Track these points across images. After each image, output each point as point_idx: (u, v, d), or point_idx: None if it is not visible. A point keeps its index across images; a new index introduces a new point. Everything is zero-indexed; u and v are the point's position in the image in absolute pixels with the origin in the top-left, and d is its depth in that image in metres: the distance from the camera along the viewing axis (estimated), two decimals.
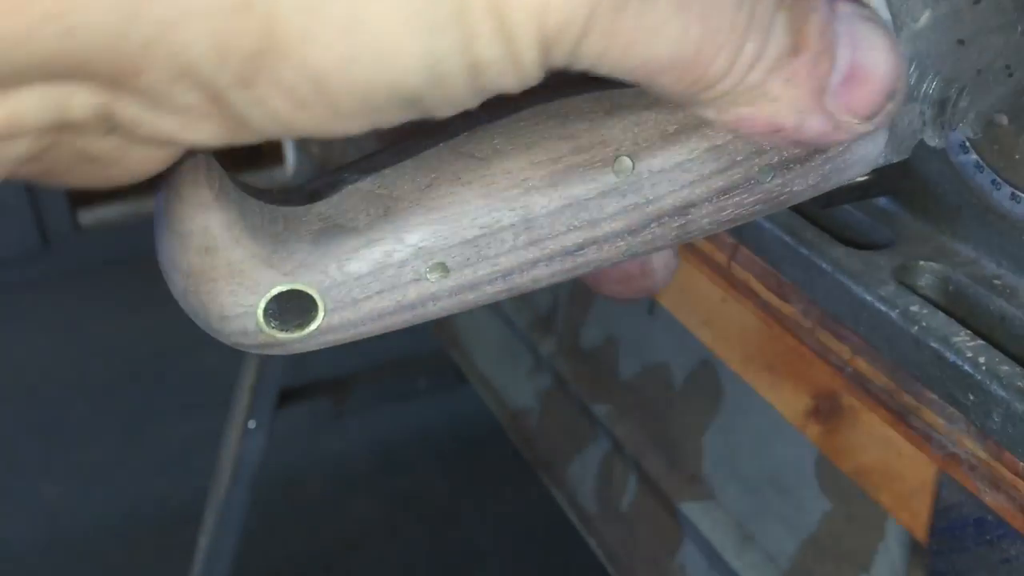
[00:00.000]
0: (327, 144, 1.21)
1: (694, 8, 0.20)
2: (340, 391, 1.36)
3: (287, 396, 1.34)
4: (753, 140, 0.25)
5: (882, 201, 0.43)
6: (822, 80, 0.22)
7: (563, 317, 0.77)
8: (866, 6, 0.24)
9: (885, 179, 0.39)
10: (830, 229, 0.43)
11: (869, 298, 0.38)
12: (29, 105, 0.18)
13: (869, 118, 0.23)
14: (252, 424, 1.36)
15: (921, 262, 0.40)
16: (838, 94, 0.23)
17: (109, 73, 0.18)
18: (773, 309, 0.44)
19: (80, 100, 0.18)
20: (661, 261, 0.27)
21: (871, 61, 0.23)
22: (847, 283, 0.39)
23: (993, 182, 0.38)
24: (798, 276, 0.42)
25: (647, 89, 0.22)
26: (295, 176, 1.35)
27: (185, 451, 1.61)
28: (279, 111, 0.19)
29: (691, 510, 0.63)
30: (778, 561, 0.58)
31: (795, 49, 0.22)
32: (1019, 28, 0.29)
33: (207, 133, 0.20)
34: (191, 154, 0.22)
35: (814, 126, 0.23)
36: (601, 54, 0.20)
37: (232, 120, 0.19)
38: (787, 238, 0.42)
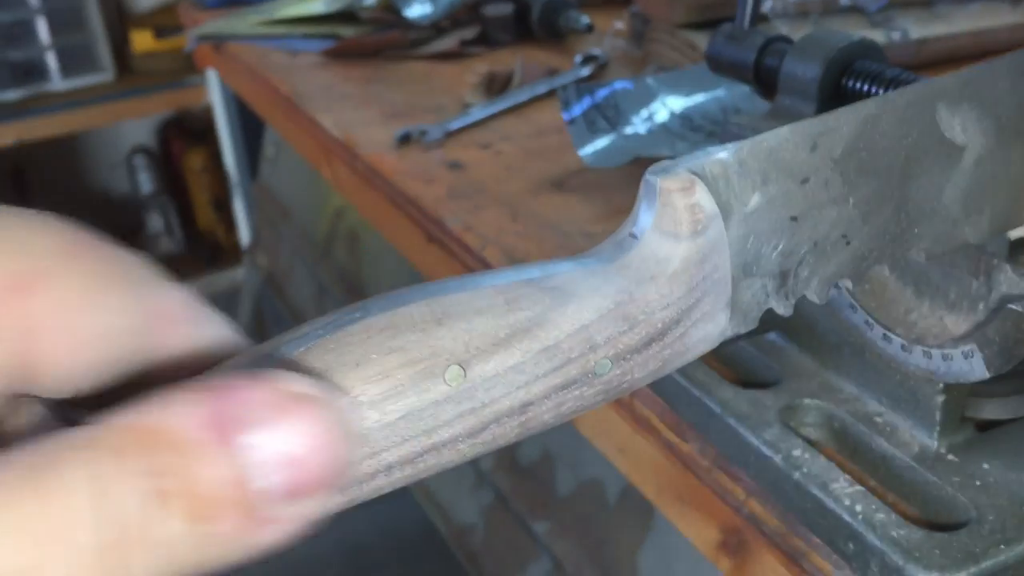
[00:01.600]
0: (273, 256, 1.22)
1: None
2: None
3: None
4: (585, 336, 0.26)
5: (771, 335, 0.44)
6: (250, 518, 0.19)
7: None
8: (302, 379, 0.21)
9: (772, 315, 0.40)
10: (722, 364, 0.44)
11: (755, 442, 0.39)
12: None
13: (325, 501, 0.21)
14: None
15: (807, 400, 0.41)
16: (282, 506, 0.20)
17: None
18: (674, 447, 0.45)
19: None
20: None
21: (307, 459, 0.20)
22: (735, 425, 0.40)
23: (866, 322, 0.38)
24: (692, 416, 0.43)
25: None
26: (244, 282, 1.36)
27: None
28: None
29: None
30: None
31: (201, 517, 0.18)
32: (851, 200, 0.30)
33: None
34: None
35: (268, 540, 0.20)
36: None
37: None
38: (680, 379, 0.43)
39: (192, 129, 2.39)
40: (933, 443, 0.37)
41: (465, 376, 0.25)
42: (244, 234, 2.04)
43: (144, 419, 0.18)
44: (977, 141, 0.32)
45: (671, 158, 0.64)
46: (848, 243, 0.31)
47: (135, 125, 2.43)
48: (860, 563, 0.35)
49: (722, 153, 0.28)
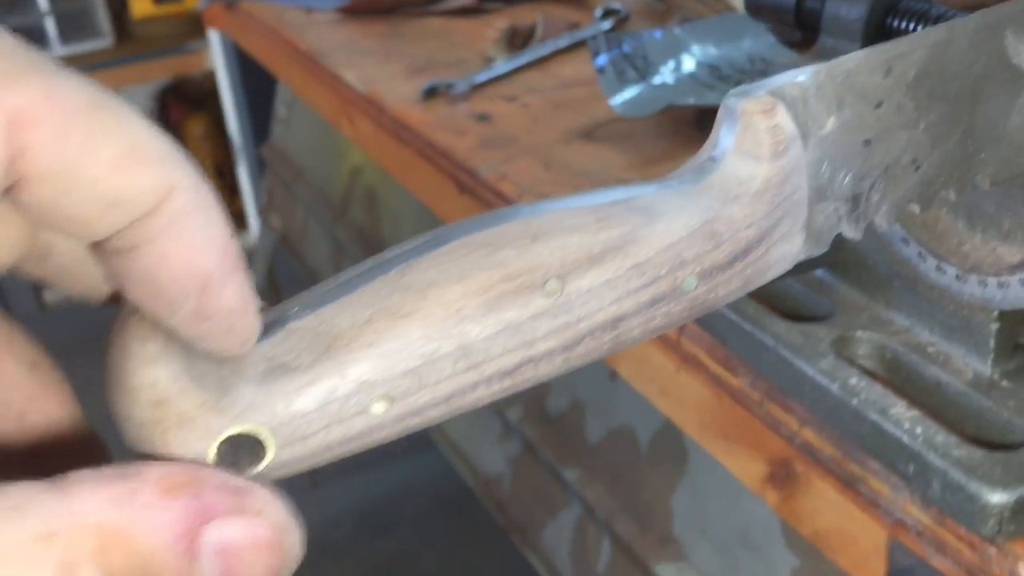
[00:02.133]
0: (287, 217, 1.23)
1: None
2: None
3: None
4: (674, 253, 0.27)
5: (819, 272, 0.45)
6: None
7: None
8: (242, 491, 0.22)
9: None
10: (770, 301, 0.45)
11: (811, 372, 0.40)
12: None
13: None
14: None
15: (858, 332, 0.42)
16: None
17: None
18: (723, 382, 0.45)
19: None
20: None
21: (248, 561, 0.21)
22: (789, 357, 0.41)
23: (919, 255, 0.39)
24: (743, 350, 0.44)
25: None
26: (258, 245, 1.36)
27: None
28: None
29: (665, 571, 0.64)
30: None
31: None
32: (921, 125, 0.31)
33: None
34: (133, 312, 0.23)
35: None
36: None
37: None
38: (731, 314, 0.44)
39: (192, 95, 2.38)
40: (987, 370, 0.38)
41: (562, 290, 0.26)
42: (249, 199, 2.04)
43: (124, 516, 0.19)
44: None
45: (707, 106, 0.64)
46: (917, 168, 0.32)
47: (134, 91, 2.42)
48: (921, 483, 0.36)
49: (801, 76, 0.29)
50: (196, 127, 2.34)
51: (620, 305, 0.27)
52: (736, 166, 0.28)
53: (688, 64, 0.68)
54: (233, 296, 0.23)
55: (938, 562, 0.36)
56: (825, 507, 0.43)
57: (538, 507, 0.77)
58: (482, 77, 0.76)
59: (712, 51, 0.70)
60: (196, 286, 0.22)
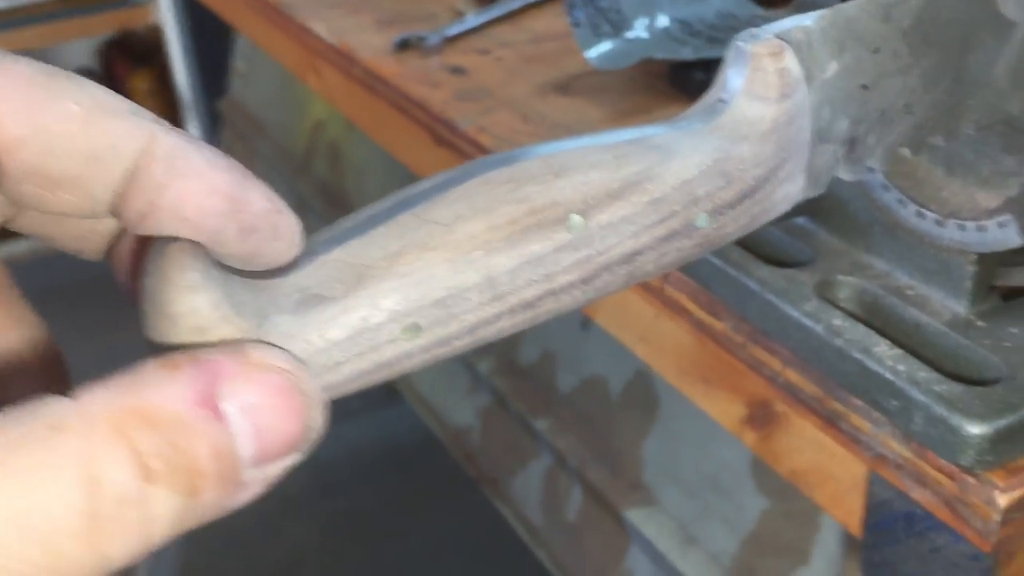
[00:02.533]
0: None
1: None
2: None
3: None
4: (688, 190, 0.28)
5: (799, 220, 0.47)
6: (231, 486, 0.20)
7: None
8: (273, 350, 0.22)
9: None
10: (753, 248, 0.46)
11: (795, 314, 0.41)
12: None
13: (295, 454, 0.22)
14: None
15: (839, 277, 0.43)
16: (256, 468, 0.21)
17: None
18: (706, 326, 0.47)
19: None
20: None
21: (276, 424, 0.21)
22: (774, 301, 0.42)
23: (899, 201, 0.41)
24: (728, 295, 0.45)
25: None
26: None
27: None
28: None
29: (635, 516, 0.66)
30: (721, 560, 0.61)
31: (191, 490, 0.20)
32: (915, 71, 0.32)
33: None
34: (174, 239, 0.23)
35: (244, 499, 0.21)
36: None
37: None
38: (716, 260, 0.45)
39: (136, 50, 2.32)
40: (963, 310, 0.40)
41: (584, 225, 0.27)
42: None
43: (134, 398, 0.19)
44: None
45: (683, 60, 0.65)
46: (910, 112, 0.33)
47: (75, 46, 2.36)
48: (903, 418, 0.37)
49: (807, 21, 0.30)
50: (141, 83, 2.30)
51: (637, 240, 0.28)
52: (745, 107, 0.29)
53: (661, 19, 0.69)
54: (262, 199, 0.23)
55: (917, 493, 0.38)
56: (804, 445, 0.45)
57: (508, 457, 0.78)
58: (454, 30, 0.76)
59: (683, 6, 0.71)
60: (226, 207, 0.23)
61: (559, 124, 0.63)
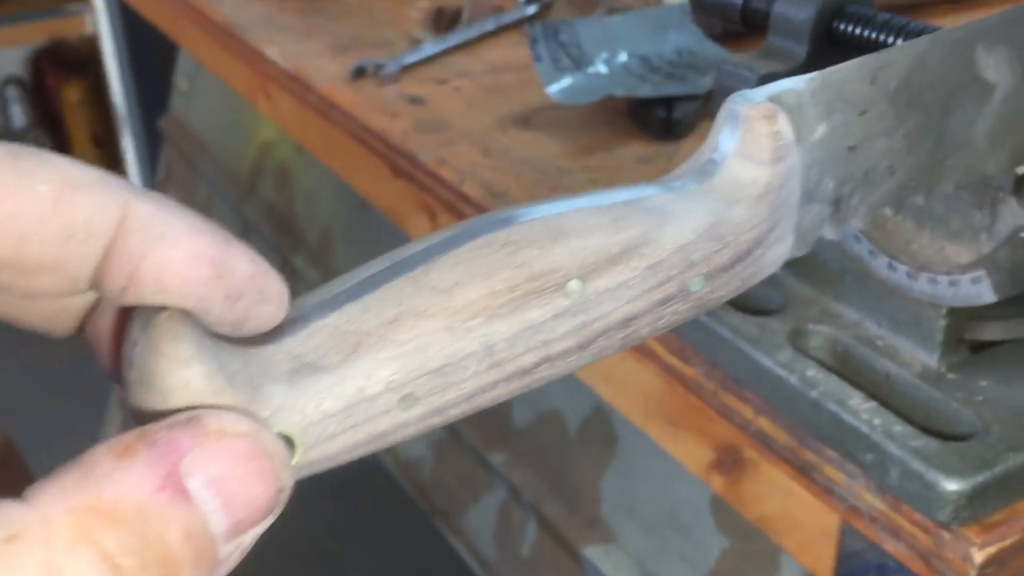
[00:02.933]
0: (188, 192, 1.19)
1: None
2: None
3: None
4: (684, 255, 0.28)
5: None
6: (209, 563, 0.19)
7: None
8: (244, 421, 0.21)
9: None
10: None
11: (769, 364, 0.41)
12: None
13: (266, 518, 0.21)
14: None
15: (811, 325, 0.43)
16: (228, 542, 0.20)
17: None
18: (675, 371, 0.47)
19: None
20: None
21: (248, 503, 0.20)
22: (746, 349, 0.42)
23: (870, 252, 0.41)
24: (699, 341, 0.45)
25: None
26: None
27: None
28: None
29: (593, 553, 0.65)
30: None
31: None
32: (899, 133, 0.32)
33: None
34: (163, 309, 0.22)
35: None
36: None
37: None
38: None
39: (68, 60, 2.27)
40: (934, 363, 0.40)
41: (582, 291, 0.26)
42: (134, 172, 1.96)
43: (92, 495, 0.18)
44: (1006, 80, 0.34)
45: (645, 96, 0.65)
46: (893, 173, 0.33)
47: (5, 55, 2.30)
48: (878, 471, 0.37)
49: (800, 84, 0.30)
50: (73, 93, 2.24)
51: (634, 305, 0.27)
52: (737, 169, 0.29)
53: (621, 55, 0.69)
54: (246, 263, 0.23)
55: (890, 546, 0.38)
56: (773, 492, 0.45)
57: (463, 489, 0.77)
58: (411, 58, 0.75)
59: (642, 42, 0.71)
60: (209, 274, 0.22)
61: (522, 159, 0.62)
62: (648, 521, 0.63)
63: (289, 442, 0.24)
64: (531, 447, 0.71)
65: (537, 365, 0.27)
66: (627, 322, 0.27)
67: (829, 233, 0.33)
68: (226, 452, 0.20)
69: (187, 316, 0.23)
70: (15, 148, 0.20)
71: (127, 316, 0.24)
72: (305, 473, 0.25)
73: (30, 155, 0.20)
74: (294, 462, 0.24)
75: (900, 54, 0.32)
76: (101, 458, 0.19)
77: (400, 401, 0.25)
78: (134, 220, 0.21)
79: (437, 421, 0.26)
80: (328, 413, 0.24)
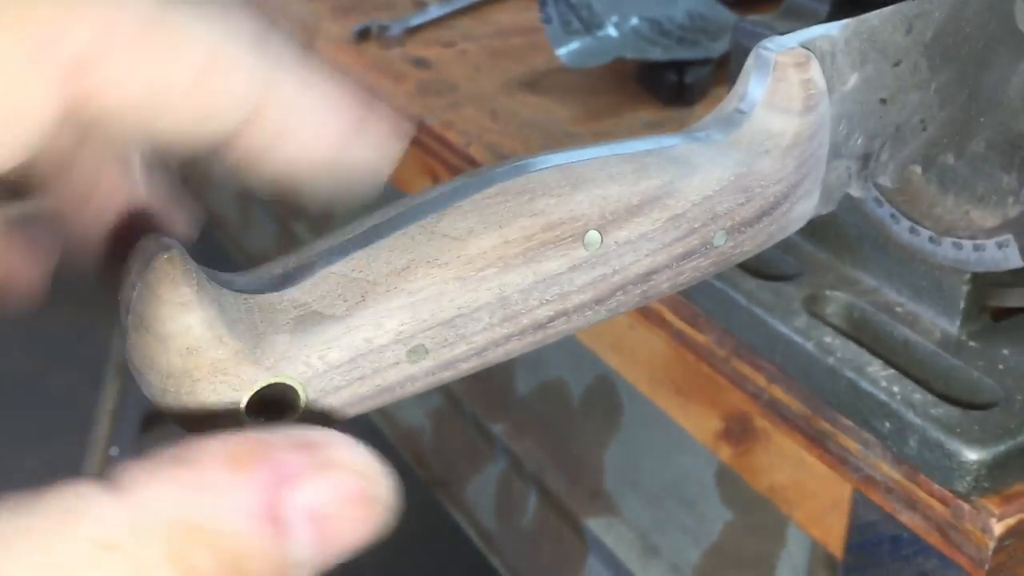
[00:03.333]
0: None
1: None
2: None
3: (150, 420, 1.30)
4: (708, 206, 0.26)
5: None
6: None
7: None
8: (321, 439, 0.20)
9: None
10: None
11: (784, 330, 0.40)
12: None
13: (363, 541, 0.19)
14: (115, 451, 1.31)
15: (827, 291, 0.42)
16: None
17: None
18: (686, 338, 0.45)
19: None
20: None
21: (341, 538, 0.18)
22: (762, 315, 0.41)
23: (892, 216, 0.40)
24: (712, 308, 0.44)
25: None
26: None
27: (39, 480, 1.52)
28: None
29: (595, 525, 0.65)
30: (682, 571, 0.60)
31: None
32: (932, 86, 0.31)
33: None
34: (163, 250, 0.21)
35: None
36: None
37: None
38: None
39: None
40: (955, 330, 0.39)
41: (601, 242, 0.25)
42: None
43: (195, 510, 0.17)
44: None
45: (655, 60, 0.64)
46: (924, 129, 0.32)
47: None
48: (896, 441, 0.36)
49: (833, 30, 0.29)
50: None
51: (654, 258, 0.26)
52: (766, 119, 0.28)
53: (632, 18, 0.68)
54: (383, 130, 0.23)
55: (906, 517, 0.37)
56: (784, 463, 0.44)
57: (462, 461, 0.76)
58: (416, 20, 0.73)
59: (653, 6, 0.69)
60: (338, 149, 0.22)
61: (530, 123, 0.61)
62: (651, 493, 0.62)
63: (294, 392, 0.23)
64: (533, 417, 0.70)
65: (552, 319, 0.25)
66: (647, 276, 0.26)
67: (856, 190, 0.32)
68: (340, 489, 0.18)
69: (187, 259, 0.21)
70: (164, 13, 0.19)
71: (121, 247, 0.23)
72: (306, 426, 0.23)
73: (176, 27, 0.19)
74: (297, 415, 0.23)
75: (937, 3, 0.31)
76: (209, 463, 0.18)
77: (409, 353, 0.24)
78: (272, 106, 0.20)
79: (447, 375, 0.25)
80: (333, 364, 0.23)
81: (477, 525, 0.75)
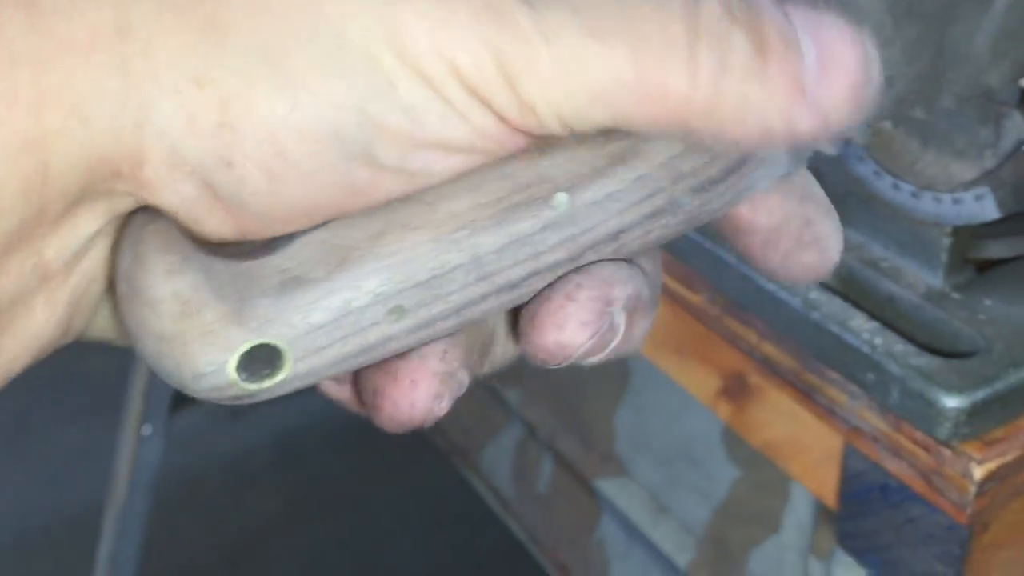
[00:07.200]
0: None
1: (610, 30, 0.21)
2: None
3: (181, 399, 1.32)
4: (748, 151, 0.27)
5: None
6: (796, 77, 0.22)
7: None
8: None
9: None
10: None
11: (770, 287, 0.41)
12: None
13: (854, 104, 0.22)
14: (147, 430, 1.34)
15: None
16: (817, 87, 0.22)
17: (123, 165, 0.19)
18: (681, 298, 0.47)
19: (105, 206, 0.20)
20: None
21: (837, 49, 0.22)
22: (749, 273, 0.42)
23: (875, 172, 0.41)
24: (704, 268, 0.45)
25: (629, 128, 0.24)
26: None
27: (74, 459, 1.56)
28: (259, 185, 0.20)
29: (607, 487, 0.66)
30: (693, 529, 0.61)
31: (759, 50, 0.22)
32: (897, 43, 0.32)
33: (215, 227, 0.21)
34: (150, 218, 0.23)
35: (804, 124, 0.22)
36: (540, 95, 0.22)
37: (229, 206, 0.20)
38: (692, 233, 0.45)
39: None
40: (938, 283, 0.40)
41: (569, 203, 0.26)
42: None
43: None
44: None
45: None
46: (891, 85, 0.33)
47: None
48: (880, 391, 0.37)
49: None
50: None
51: (622, 218, 0.27)
52: None
53: None
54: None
55: (892, 465, 0.38)
56: (778, 418, 0.45)
57: (478, 429, 0.78)
58: None
59: None
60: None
61: None
62: (660, 454, 0.64)
63: (280, 354, 0.24)
64: (546, 384, 0.72)
65: (526, 278, 0.27)
66: (615, 235, 0.27)
67: (826, 148, 0.33)
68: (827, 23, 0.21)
69: (175, 228, 0.23)
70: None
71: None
72: (296, 386, 0.25)
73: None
74: (284, 374, 0.24)
75: None
76: None
77: (388, 313, 0.25)
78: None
79: (427, 334, 0.26)
80: (316, 325, 0.24)
81: (495, 491, 0.76)
